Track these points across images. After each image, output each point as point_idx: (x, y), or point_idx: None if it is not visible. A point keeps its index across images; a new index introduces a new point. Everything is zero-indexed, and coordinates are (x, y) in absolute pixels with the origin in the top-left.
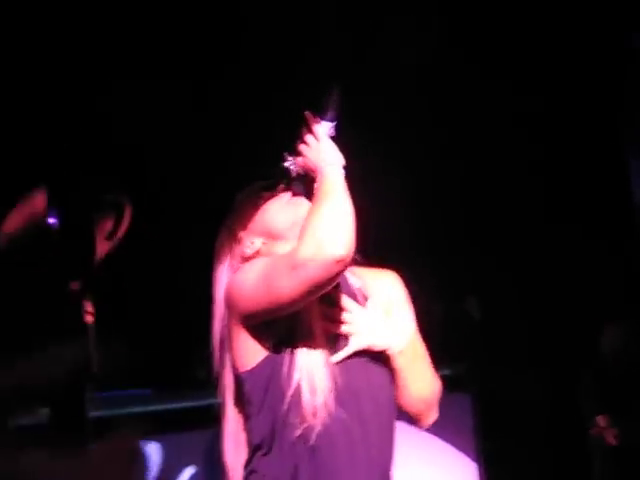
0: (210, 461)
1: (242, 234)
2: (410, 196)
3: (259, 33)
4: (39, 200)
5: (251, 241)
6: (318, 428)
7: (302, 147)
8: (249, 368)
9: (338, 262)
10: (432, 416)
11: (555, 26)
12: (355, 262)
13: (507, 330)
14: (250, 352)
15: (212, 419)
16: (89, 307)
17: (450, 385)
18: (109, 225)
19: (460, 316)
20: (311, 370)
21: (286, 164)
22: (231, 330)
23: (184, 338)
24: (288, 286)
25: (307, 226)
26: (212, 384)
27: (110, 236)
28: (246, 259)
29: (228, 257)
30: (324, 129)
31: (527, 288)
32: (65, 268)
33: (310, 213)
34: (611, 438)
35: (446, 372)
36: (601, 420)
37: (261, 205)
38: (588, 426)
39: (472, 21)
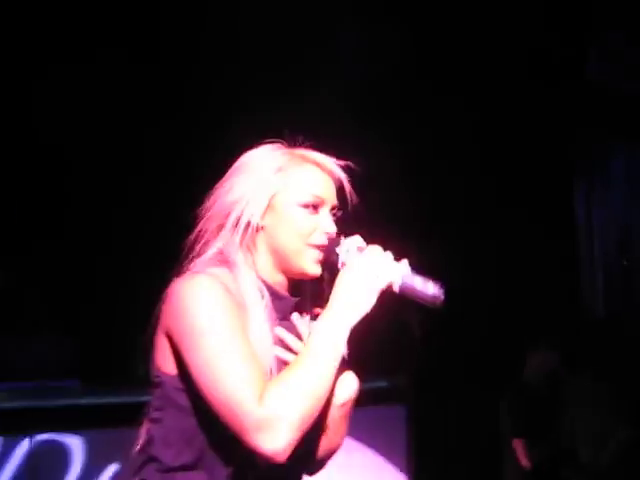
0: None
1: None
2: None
3: None
4: None
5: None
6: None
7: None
8: (168, 372)
9: (276, 455)
10: (320, 470)
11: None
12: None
13: (445, 345)
14: (171, 358)
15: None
16: None
17: (386, 396)
18: None
19: (401, 328)
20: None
21: (338, 249)
22: (157, 325)
23: (126, 328)
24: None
25: (282, 381)
26: (148, 381)
27: None
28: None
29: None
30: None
31: (467, 305)
32: None
33: (293, 368)
34: (525, 461)
35: (383, 383)
36: (517, 442)
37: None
38: (504, 446)
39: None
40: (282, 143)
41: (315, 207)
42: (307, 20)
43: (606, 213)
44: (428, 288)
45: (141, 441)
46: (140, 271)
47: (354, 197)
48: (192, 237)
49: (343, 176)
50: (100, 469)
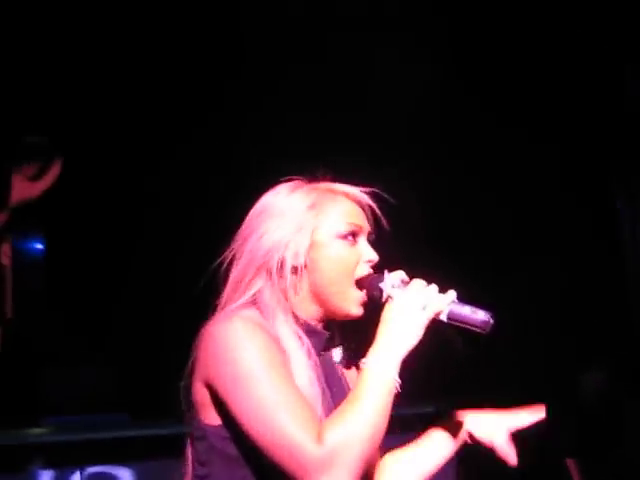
0: None
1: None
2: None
3: None
4: None
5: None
6: None
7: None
8: (211, 423)
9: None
10: None
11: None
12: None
13: (494, 366)
14: (212, 408)
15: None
16: (6, 248)
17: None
18: (33, 168)
19: (445, 352)
20: None
21: (382, 284)
22: (192, 373)
23: (167, 361)
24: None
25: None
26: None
27: (34, 178)
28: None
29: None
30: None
31: (515, 324)
32: None
33: (350, 407)
34: None
35: (430, 409)
36: (570, 462)
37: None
38: (559, 466)
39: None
40: (301, 180)
41: (354, 236)
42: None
43: None
44: (477, 314)
45: None
46: (185, 306)
47: (385, 223)
48: (224, 286)
49: (373, 203)
50: None
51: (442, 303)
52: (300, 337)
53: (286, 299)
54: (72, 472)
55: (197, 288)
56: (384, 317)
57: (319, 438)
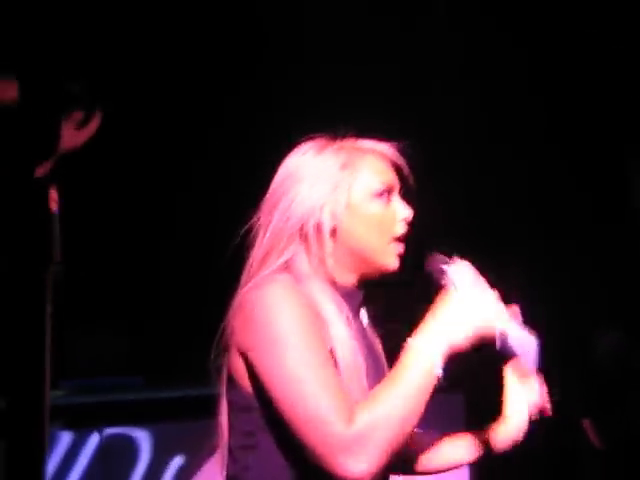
0: (199, 451)
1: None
2: None
3: None
4: (10, 86)
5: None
6: None
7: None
8: (253, 392)
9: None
10: None
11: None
12: None
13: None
14: (252, 377)
15: (204, 410)
16: (54, 195)
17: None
18: (79, 115)
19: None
20: None
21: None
22: (227, 343)
23: (183, 325)
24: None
25: (377, 402)
26: (206, 374)
27: (80, 125)
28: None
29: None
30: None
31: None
32: (28, 151)
33: (386, 391)
34: (597, 442)
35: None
36: (587, 423)
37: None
38: (575, 429)
39: None
40: (323, 139)
41: (388, 193)
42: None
43: None
44: (527, 347)
45: (229, 471)
46: (202, 268)
47: (414, 179)
48: (251, 254)
49: (402, 159)
50: (167, 461)
51: (504, 328)
52: (339, 304)
53: (322, 264)
54: (91, 433)
55: (221, 257)
56: (444, 301)
57: (350, 418)
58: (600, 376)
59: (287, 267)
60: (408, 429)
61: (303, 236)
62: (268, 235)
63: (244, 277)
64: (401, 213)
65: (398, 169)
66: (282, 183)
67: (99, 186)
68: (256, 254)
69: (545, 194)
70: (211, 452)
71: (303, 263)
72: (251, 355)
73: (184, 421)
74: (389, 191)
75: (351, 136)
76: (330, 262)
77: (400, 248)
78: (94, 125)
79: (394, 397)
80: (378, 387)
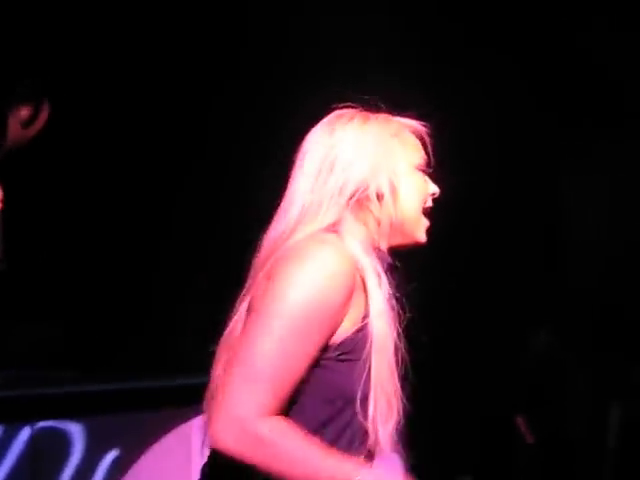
0: (134, 445)
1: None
2: None
3: None
4: None
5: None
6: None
7: None
8: None
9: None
10: None
11: None
12: None
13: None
14: None
15: (140, 403)
16: None
17: None
18: (26, 113)
19: None
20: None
21: None
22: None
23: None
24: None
25: None
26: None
27: (26, 125)
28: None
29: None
30: None
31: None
32: None
33: (306, 447)
34: (529, 436)
35: None
36: (519, 420)
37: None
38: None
39: None
40: (357, 109)
41: (424, 169)
42: None
43: None
44: None
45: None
46: (139, 263)
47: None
48: (289, 208)
49: (429, 138)
50: (101, 455)
51: None
52: (381, 272)
53: (368, 229)
54: (22, 427)
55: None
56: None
57: (263, 416)
58: (531, 375)
59: (334, 228)
60: (276, 477)
61: (358, 201)
62: (310, 195)
63: (277, 228)
64: (432, 188)
65: (425, 147)
66: (333, 146)
67: (42, 178)
68: (291, 211)
69: None
70: (147, 446)
71: (352, 228)
72: (252, 314)
73: (119, 414)
74: (426, 166)
75: (384, 110)
76: (375, 229)
77: (427, 223)
78: (42, 120)
79: (301, 460)
80: (306, 441)
